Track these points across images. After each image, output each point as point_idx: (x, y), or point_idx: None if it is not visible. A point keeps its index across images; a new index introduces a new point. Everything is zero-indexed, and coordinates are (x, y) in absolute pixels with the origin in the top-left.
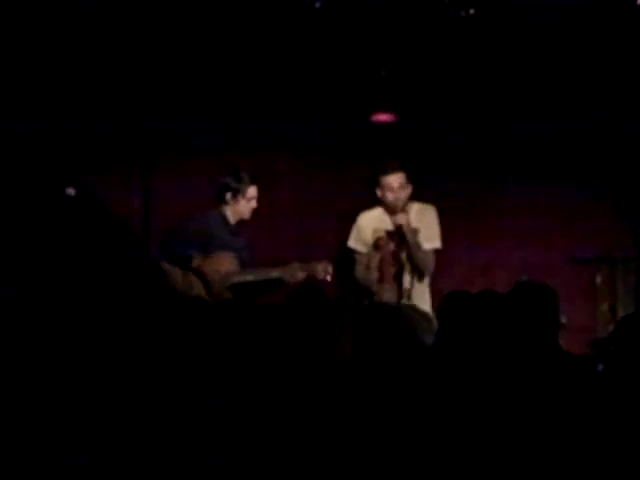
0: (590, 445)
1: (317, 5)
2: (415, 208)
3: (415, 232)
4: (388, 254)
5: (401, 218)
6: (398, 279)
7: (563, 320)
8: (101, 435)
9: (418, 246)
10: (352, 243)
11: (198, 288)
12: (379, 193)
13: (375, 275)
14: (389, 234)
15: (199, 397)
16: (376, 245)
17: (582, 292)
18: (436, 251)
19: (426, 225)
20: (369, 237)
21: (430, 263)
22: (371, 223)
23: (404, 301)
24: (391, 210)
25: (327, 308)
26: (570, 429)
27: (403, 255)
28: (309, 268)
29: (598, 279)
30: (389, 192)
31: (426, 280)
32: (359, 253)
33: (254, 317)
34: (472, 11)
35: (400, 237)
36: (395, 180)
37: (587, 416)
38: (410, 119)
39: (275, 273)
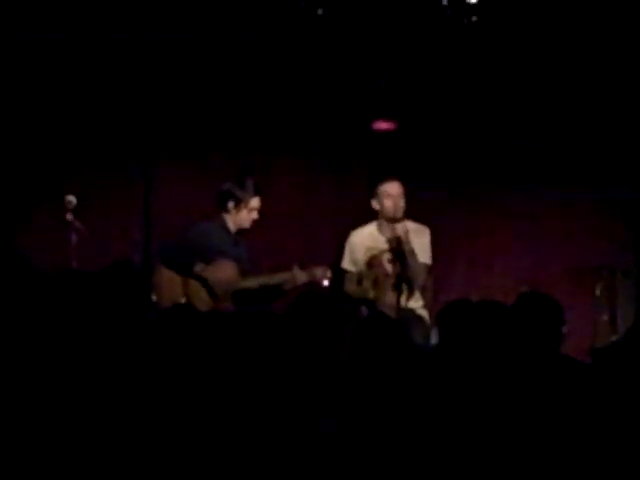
0: (592, 455)
1: (319, 12)
2: (410, 227)
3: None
4: (382, 273)
5: (400, 228)
6: (394, 296)
7: (563, 330)
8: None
9: (414, 255)
10: (345, 265)
11: (200, 293)
12: (376, 204)
13: (371, 293)
14: (382, 252)
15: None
16: (370, 264)
17: (582, 302)
18: (428, 268)
19: (420, 245)
20: (361, 255)
21: (421, 274)
22: (364, 241)
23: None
24: (389, 220)
25: (330, 314)
26: (570, 440)
27: (397, 272)
28: (309, 273)
29: (598, 289)
30: (387, 199)
31: (419, 295)
32: (350, 272)
33: (257, 325)
34: (474, 18)
35: (395, 255)
36: (393, 187)
37: (589, 429)
38: (411, 127)
39: (276, 279)
